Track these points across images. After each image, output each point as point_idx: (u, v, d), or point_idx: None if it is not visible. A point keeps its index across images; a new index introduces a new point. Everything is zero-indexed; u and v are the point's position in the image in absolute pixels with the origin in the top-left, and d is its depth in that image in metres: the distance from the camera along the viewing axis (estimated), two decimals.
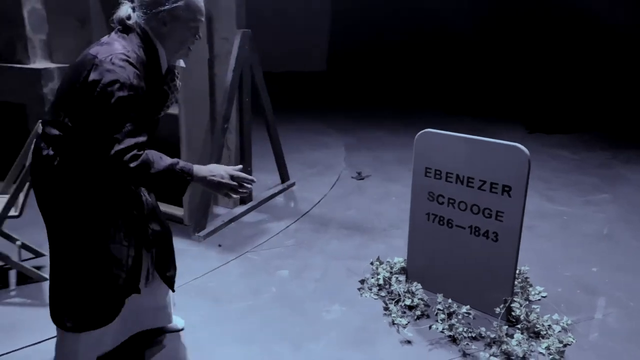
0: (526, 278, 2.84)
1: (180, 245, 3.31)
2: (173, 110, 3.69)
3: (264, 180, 4.47)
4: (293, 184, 4.53)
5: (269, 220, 3.79)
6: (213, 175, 1.70)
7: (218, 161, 3.68)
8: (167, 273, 2.12)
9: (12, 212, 2.78)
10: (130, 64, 1.62)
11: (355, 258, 3.18)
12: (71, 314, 1.86)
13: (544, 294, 2.79)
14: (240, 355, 2.26)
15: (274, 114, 4.25)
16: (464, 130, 2.67)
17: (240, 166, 1.82)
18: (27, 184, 2.71)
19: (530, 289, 2.79)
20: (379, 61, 11.33)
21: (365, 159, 5.36)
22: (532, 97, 8.30)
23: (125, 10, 1.75)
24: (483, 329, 2.38)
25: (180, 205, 3.68)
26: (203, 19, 1.84)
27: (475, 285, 2.59)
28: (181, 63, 1.96)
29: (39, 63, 4.42)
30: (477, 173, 2.52)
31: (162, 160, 1.62)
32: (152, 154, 1.61)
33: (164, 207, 3.73)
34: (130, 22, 1.74)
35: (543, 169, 5.06)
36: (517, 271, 2.67)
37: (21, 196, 2.77)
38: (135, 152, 1.55)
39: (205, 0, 3.54)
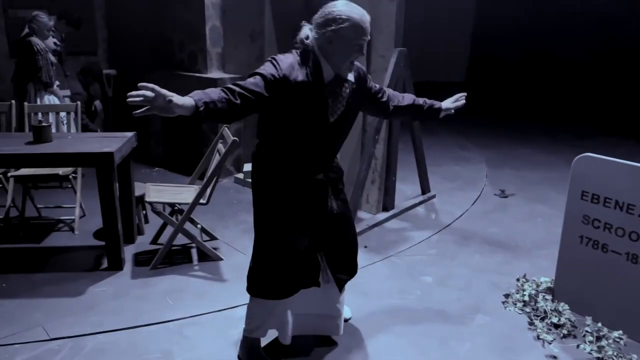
0: None
1: None
2: None
3: (405, 190, 4.82)
4: (434, 196, 4.81)
5: (410, 229, 4.13)
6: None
7: (367, 170, 4.12)
8: (337, 274, 2.44)
9: (202, 200, 3.46)
10: (272, 63, 2.07)
11: (498, 273, 3.39)
12: (250, 280, 2.36)
13: None
14: (391, 345, 2.63)
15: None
16: (624, 153, 2.76)
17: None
18: (215, 178, 3.38)
19: None
20: (524, 72, 11.05)
21: (508, 177, 5.44)
22: None
23: (304, 32, 2.18)
24: (635, 356, 2.47)
25: None
26: (367, 38, 2.09)
27: (629, 312, 2.66)
28: (350, 77, 2.26)
29: (214, 73, 5.27)
30: (638, 200, 2.60)
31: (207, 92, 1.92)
32: (214, 92, 1.91)
33: None
34: (307, 41, 2.15)
35: None
36: None
37: (209, 188, 3.44)
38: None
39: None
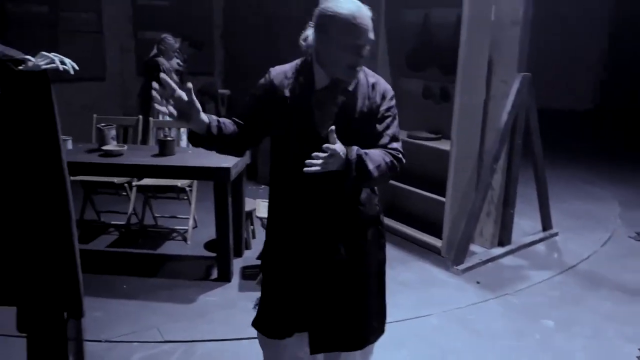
0: None
1: (439, 275, 3.82)
2: (444, 145, 4.24)
3: (523, 225, 4.65)
4: (556, 234, 4.59)
5: (529, 267, 3.98)
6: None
7: (483, 200, 4.05)
8: (315, 338, 2.03)
9: None
10: (265, 76, 2.02)
11: (634, 325, 3.15)
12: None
13: None
14: None
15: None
16: None
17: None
18: None
19: None
20: None
21: None
22: None
23: (306, 33, 1.94)
24: None
25: (439, 237, 4.17)
26: (365, 37, 1.82)
27: None
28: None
29: None
30: None
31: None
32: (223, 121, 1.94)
33: (424, 237, 4.27)
34: (304, 43, 1.95)
35: None
36: None
37: None
38: None
39: (489, 45, 3.96)
